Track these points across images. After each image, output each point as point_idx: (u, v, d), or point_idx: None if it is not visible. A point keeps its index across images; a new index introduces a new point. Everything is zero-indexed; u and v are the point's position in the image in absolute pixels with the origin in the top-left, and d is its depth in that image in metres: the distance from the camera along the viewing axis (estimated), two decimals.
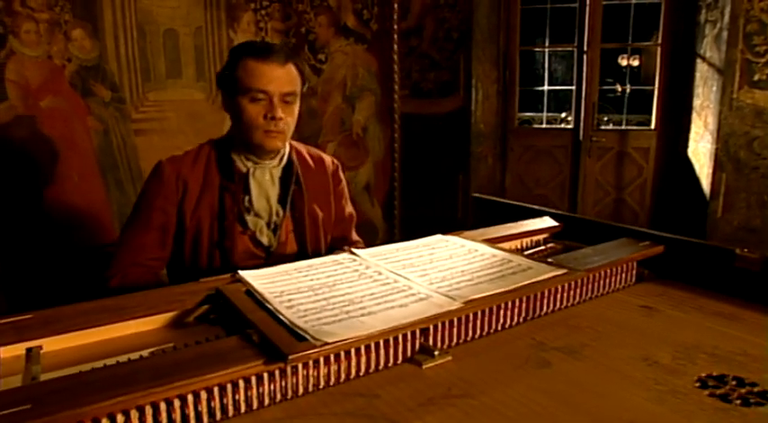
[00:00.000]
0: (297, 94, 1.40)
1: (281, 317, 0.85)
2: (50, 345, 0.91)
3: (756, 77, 3.47)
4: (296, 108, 1.42)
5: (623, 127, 4.27)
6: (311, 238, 1.52)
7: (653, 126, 4.10)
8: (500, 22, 4.17)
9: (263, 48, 1.38)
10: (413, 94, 4.08)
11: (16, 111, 2.88)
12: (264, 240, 1.46)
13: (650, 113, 4.15)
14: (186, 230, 1.40)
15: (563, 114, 4.62)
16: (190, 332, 0.97)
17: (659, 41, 4.01)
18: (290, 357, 0.73)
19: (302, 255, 1.51)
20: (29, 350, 0.89)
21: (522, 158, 4.40)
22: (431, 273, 1.05)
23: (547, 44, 4.42)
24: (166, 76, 3.35)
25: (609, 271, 1.19)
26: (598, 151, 4.19)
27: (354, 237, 1.74)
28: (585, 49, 4.04)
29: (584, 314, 1.10)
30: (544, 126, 4.49)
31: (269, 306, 0.89)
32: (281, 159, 1.48)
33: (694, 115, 3.86)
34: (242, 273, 1.05)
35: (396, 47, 2.95)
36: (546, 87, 4.45)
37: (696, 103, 3.83)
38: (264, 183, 1.45)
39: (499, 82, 4.26)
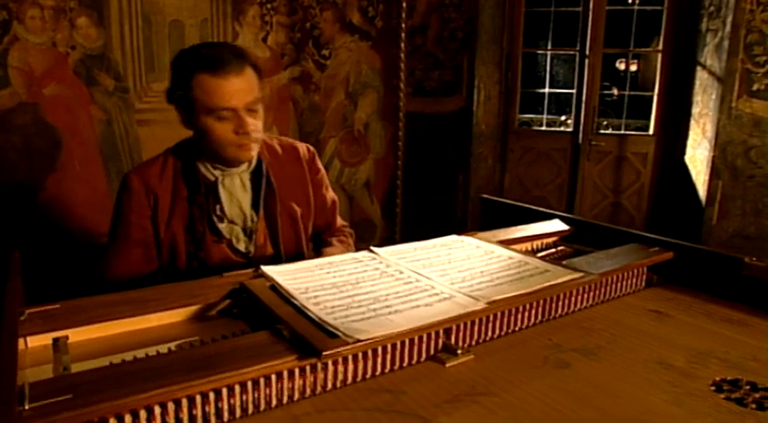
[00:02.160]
0: (260, 98, 1.31)
1: (308, 313, 0.86)
2: (76, 335, 0.92)
3: (755, 87, 3.52)
4: (261, 110, 1.33)
5: (622, 131, 4.31)
6: (285, 239, 1.45)
7: (651, 131, 4.14)
8: (504, 24, 4.19)
9: (215, 59, 1.24)
10: (416, 93, 4.09)
11: (19, 97, 2.87)
12: (241, 247, 1.41)
13: (647, 118, 4.20)
14: (162, 242, 1.36)
15: (563, 117, 4.66)
16: (213, 325, 0.98)
17: (660, 48, 4.05)
18: (324, 354, 0.75)
19: (277, 256, 1.46)
20: (55, 340, 0.90)
21: (522, 160, 4.43)
22: (451, 273, 1.07)
23: (549, 47, 4.45)
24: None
25: (621, 275, 1.21)
26: (597, 155, 4.23)
27: (339, 222, 1.66)
28: (588, 53, 4.08)
29: (597, 317, 1.12)
30: (544, 128, 4.52)
31: (295, 302, 0.91)
32: (250, 163, 1.41)
33: (692, 122, 3.91)
34: (264, 268, 1.06)
35: (403, 45, 2.95)
36: (547, 90, 4.48)
37: (695, 110, 3.88)
38: (235, 190, 1.39)
39: (501, 83, 4.29)
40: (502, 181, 4.50)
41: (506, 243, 1.35)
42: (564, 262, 1.20)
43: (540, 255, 1.37)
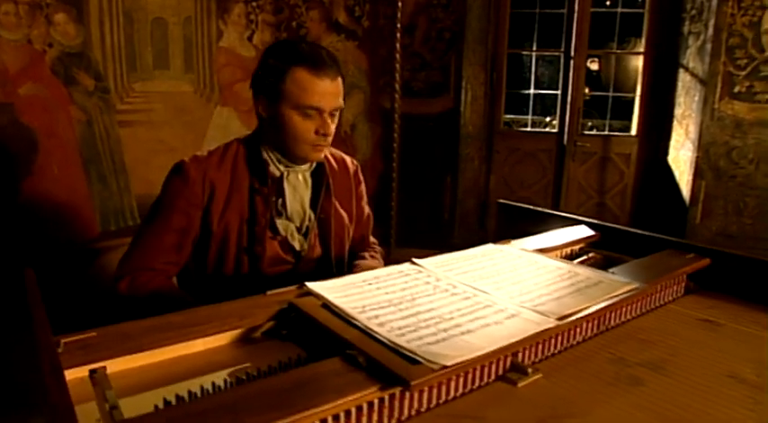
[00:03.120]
0: (343, 106, 1.34)
1: (377, 336, 0.80)
2: (114, 365, 0.83)
3: (737, 89, 3.60)
4: (337, 118, 1.37)
5: (606, 132, 4.36)
6: (336, 241, 1.48)
7: (634, 132, 4.20)
8: (489, 25, 4.18)
9: (316, 58, 1.28)
10: (403, 94, 4.03)
11: None
12: (296, 245, 1.41)
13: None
14: (212, 236, 1.32)
15: (547, 118, 4.69)
16: (262, 349, 0.91)
17: (642, 50, 4.11)
18: (413, 383, 0.69)
19: (326, 258, 1.47)
20: (92, 372, 0.81)
21: (508, 161, 4.43)
22: (504, 286, 1.03)
23: (534, 48, 4.46)
24: (153, 66, 3.21)
25: (665, 283, 1.19)
26: (582, 156, 4.26)
27: (372, 238, 1.71)
28: (572, 54, 4.11)
29: (650, 327, 1.09)
30: (529, 129, 4.54)
31: (357, 323, 0.84)
32: (312, 162, 1.43)
33: (675, 123, 3.98)
34: (311, 285, 0.99)
35: (398, 45, 2.90)
36: (532, 91, 4.49)
37: (677, 111, 3.95)
38: (299, 186, 1.39)
39: (487, 84, 4.28)
40: (487, 182, 4.49)
41: (542, 251, 1.32)
42: (612, 270, 1.17)
43: (575, 262, 1.34)
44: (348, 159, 1.58)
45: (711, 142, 3.69)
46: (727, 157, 3.70)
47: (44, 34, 2.81)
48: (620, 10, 4.19)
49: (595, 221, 1.57)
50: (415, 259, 1.15)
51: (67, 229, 2.95)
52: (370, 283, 1.02)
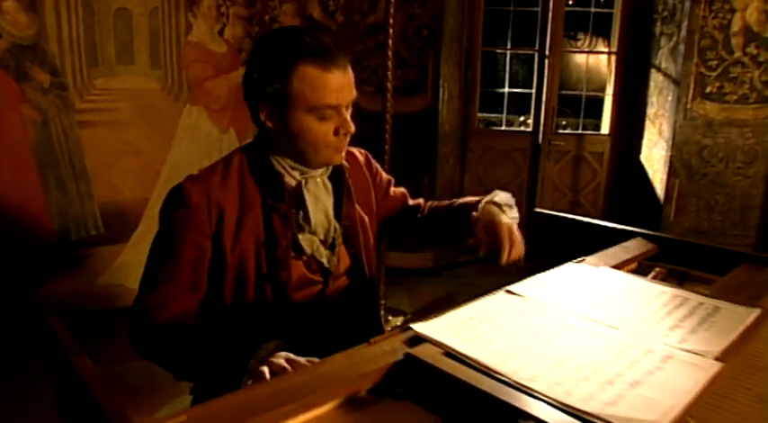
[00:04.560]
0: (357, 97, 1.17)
1: (537, 395, 0.67)
2: None
3: (708, 90, 3.70)
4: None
5: (580, 131, 4.39)
6: (365, 248, 1.30)
7: (607, 131, 4.25)
8: (464, 22, 4.11)
9: (323, 49, 1.09)
10: (378, 92, 3.87)
11: None
12: (324, 261, 1.23)
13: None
14: (227, 265, 1.13)
15: (521, 117, 4.68)
16: (378, 416, 0.75)
17: (614, 49, 4.16)
18: None
19: (357, 268, 1.30)
20: None
21: (482, 160, 4.38)
22: (626, 317, 0.91)
23: (509, 46, 4.42)
24: (117, 61, 2.91)
25: None
26: (557, 155, 4.27)
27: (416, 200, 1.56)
28: (547, 53, 4.10)
29: (762, 353, 1.01)
30: (504, 128, 4.50)
31: (505, 378, 0.71)
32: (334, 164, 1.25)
33: (648, 122, 4.06)
34: (419, 328, 0.84)
35: (390, 42, 2.75)
36: (507, 89, 4.46)
37: (650, 111, 4.02)
38: (321, 194, 1.20)
39: (461, 82, 4.20)
40: (462, 181, 4.43)
41: (617, 268, 1.22)
42: (707, 292, 1.09)
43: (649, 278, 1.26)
44: (355, 151, 1.38)
45: (684, 141, 3.78)
46: (699, 155, 3.80)
47: None
48: (592, 9, 4.22)
49: (648, 232, 1.50)
50: (510, 288, 1.02)
51: (22, 239, 2.62)
52: (481, 321, 0.88)
